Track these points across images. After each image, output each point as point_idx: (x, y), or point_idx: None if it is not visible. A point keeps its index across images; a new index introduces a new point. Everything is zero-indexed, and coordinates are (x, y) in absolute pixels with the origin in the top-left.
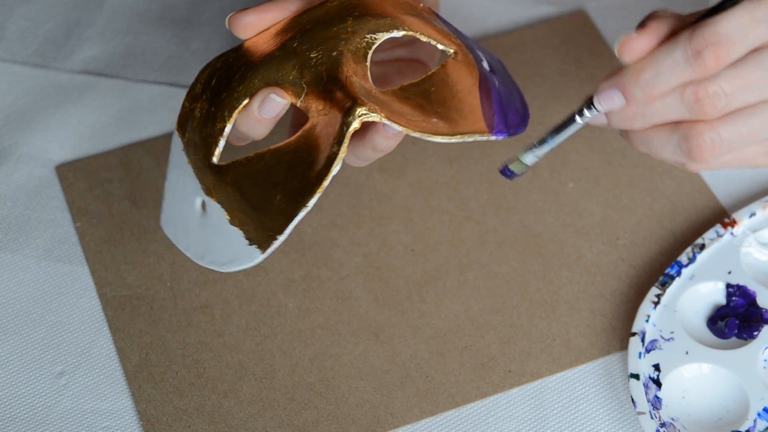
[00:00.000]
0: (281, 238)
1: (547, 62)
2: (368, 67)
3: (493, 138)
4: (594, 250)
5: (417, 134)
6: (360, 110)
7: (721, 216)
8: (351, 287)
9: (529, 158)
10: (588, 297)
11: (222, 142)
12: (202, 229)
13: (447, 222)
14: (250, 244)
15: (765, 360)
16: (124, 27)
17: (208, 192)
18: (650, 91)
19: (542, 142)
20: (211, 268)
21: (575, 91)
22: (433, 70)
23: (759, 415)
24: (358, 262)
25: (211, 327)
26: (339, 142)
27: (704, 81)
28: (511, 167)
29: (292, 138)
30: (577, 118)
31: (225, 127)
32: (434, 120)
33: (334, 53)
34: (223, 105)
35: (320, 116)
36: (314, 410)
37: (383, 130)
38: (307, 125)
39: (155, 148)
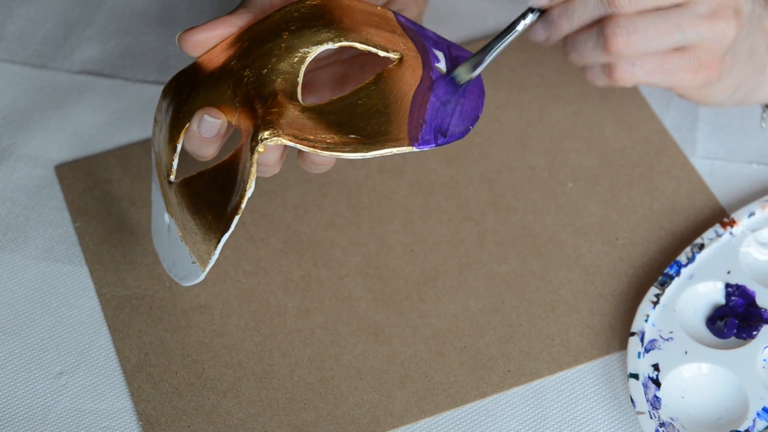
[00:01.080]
0: (213, 258)
1: (546, 62)
2: (299, 82)
3: (415, 150)
4: (593, 249)
5: (325, 153)
6: (263, 134)
7: (720, 216)
8: (350, 287)
9: (466, 70)
10: (587, 297)
11: (175, 161)
12: (168, 242)
13: (446, 222)
14: (193, 262)
15: (764, 360)
16: (123, 27)
17: (167, 208)
18: None
19: (484, 54)
20: (176, 281)
21: (574, 90)
22: (365, 81)
23: (758, 414)
24: (358, 262)
25: (210, 327)
26: (250, 164)
27: None
28: (454, 76)
29: (227, 157)
30: (516, 25)
31: (176, 146)
32: (351, 136)
33: (264, 71)
34: (174, 125)
35: (247, 136)
36: (313, 410)
37: None
38: (238, 145)
39: None
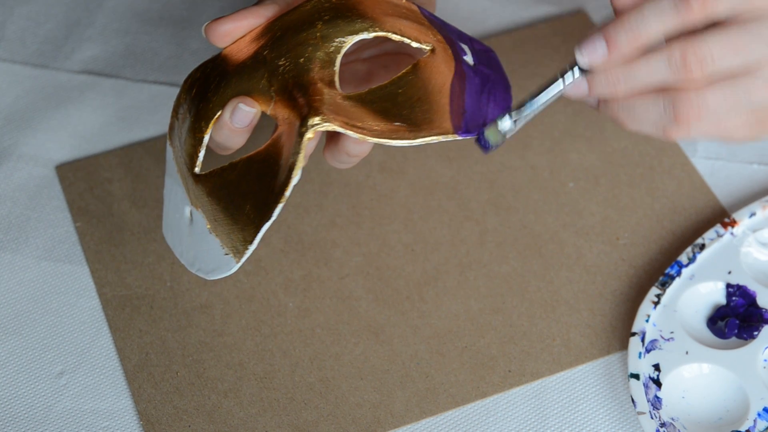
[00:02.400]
0: (251, 248)
1: (547, 62)
2: (336, 71)
3: (459, 138)
4: (594, 250)
5: (374, 140)
6: (313, 119)
7: (721, 216)
8: (351, 287)
9: (507, 124)
10: (588, 297)
11: (202, 152)
12: (191, 237)
13: (447, 222)
14: (226, 254)
15: (765, 360)
16: (123, 27)
17: (193, 201)
18: (634, 36)
19: (521, 105)
20: (199, 275)
21: None
22: (403, 71)
23: (759, 415)
24: (358, 261)
25: (211, 327)
26: (296, 151)
27: (692, 42)
28: (487, 134)
29: (262, 147)
30: (560, 79)
31: (203, 137)
32: (397, 124)
33: (301, 60)
34: (200, 115)
35: (286, 124)
36: (314, 410)
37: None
38: (275, 134)
39: (155, 148)
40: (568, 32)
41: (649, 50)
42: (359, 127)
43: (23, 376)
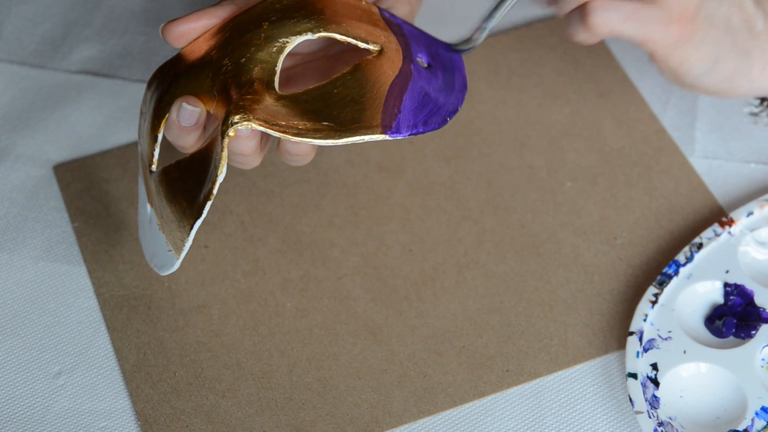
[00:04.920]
0: (186, 245)
1: (544, 62)
2: (277, 71)
3: (389, 138)
4: (592, 249)
5: (296, 139)
6: (233, 118)
7: (718, 215)
8: (349, 287)
9: (467, 40)
10: (586, 296)
11: (157, 150)
12: (150, 233)
13: (445, 222)
14: (169, 250)
15: (763, 359)
16: (121, 27)
17: (150, 198)
18: None
19: (488, 17)
20: (155, 270)
21: (573, 90)
22: (343, 71)
23: (756, 414)
24: (356, 261)
25: (208, 327)
26: (220, 149)
27: None
28: (456, 45)
29: (203, 145)
30: None
31: (158, 135)
32: (324, 123)
33: (242, 60)
34: (155, 114)
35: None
36: (312, 410)
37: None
38: (215, 133)
39: None
40: (566, 32)
41: None
42: (282, 126)
43: (21, 376)
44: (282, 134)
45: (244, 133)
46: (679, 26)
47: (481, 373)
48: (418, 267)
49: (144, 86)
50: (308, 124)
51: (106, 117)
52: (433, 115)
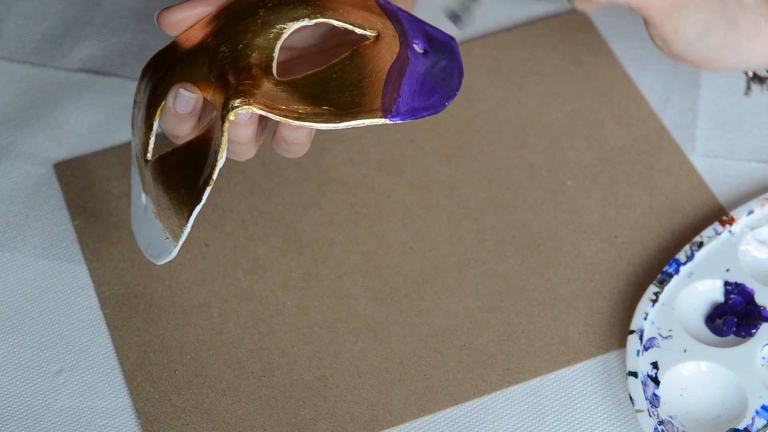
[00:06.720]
0: (185, 231)
1: (545, 60)
2: (275, 57)
3: (389, 122)
4: (592, 248)
5: (296, 123)
6: (233, 102)
7: (719, 214)
8: (349, 285)
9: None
10: (586, 295)
11: (152, 139)
12: (145, 223)
13: (445, 220)
14: (166, 238)
15: (763, 358)
16: (121, 25)
17: (145, 188)
18: None
19: None
20: (151, 260)
21: (573, 88)
22: (341, 56)
23: (757, 412)
24: (357, 260)
25: (209, 325)
26: (220, 134)
27: None
28: (455, 9)
29: (201, 132)
30: None
31: (153, 124)
32: (324, 108)
33: (240, 46)
34: (150, 103)
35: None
36: (312, 408)
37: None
38: (213, 119)
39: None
40: (567, 30)
41: None
42: (282, 110)
43: (21, 374)
44: (282, 118)
45: (244, 118)
46: None
47: (482, 372)
48: (418, 265)
49: None
50: (308, 109)
51: (107, 115)
52: (431, 99)
